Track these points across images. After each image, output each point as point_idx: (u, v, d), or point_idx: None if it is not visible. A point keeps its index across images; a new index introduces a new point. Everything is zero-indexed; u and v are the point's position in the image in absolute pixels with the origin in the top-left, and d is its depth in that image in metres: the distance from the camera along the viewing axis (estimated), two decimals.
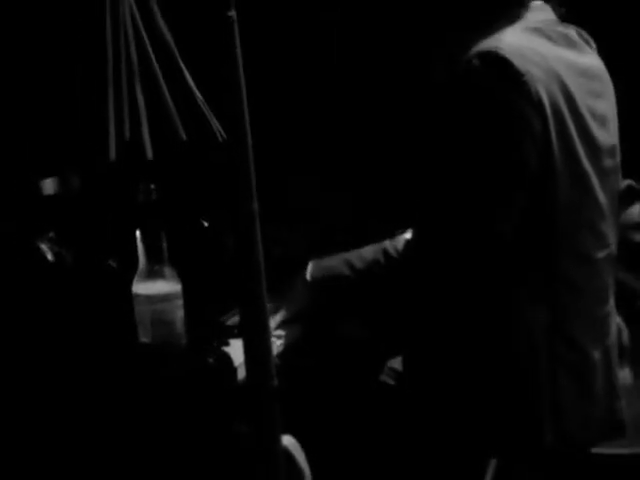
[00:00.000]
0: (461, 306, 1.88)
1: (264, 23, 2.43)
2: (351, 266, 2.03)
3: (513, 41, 1.81)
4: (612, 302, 2.00)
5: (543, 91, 1.77)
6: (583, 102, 1.86)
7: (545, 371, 1.85)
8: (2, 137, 1.99)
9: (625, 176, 2.43)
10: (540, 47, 1.84)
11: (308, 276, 2.10)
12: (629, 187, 2.55)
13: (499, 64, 1.75)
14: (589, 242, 1.89)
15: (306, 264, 2.18)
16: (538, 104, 1.76)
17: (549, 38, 1.88)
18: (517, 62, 1.75)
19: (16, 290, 1.97)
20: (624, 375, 2.14)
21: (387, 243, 2.02)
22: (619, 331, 2.37)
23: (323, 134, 2.65)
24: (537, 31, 1.87)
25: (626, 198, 2.52)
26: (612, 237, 1.96)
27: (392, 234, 2.23)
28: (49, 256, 1.99)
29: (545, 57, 1.82)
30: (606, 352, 1.95)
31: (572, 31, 1.96)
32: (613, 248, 1.97)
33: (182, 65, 1.56)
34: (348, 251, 2.17)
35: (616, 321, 2.04)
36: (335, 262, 2.08)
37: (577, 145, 1.83)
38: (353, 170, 2.68)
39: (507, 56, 1.75)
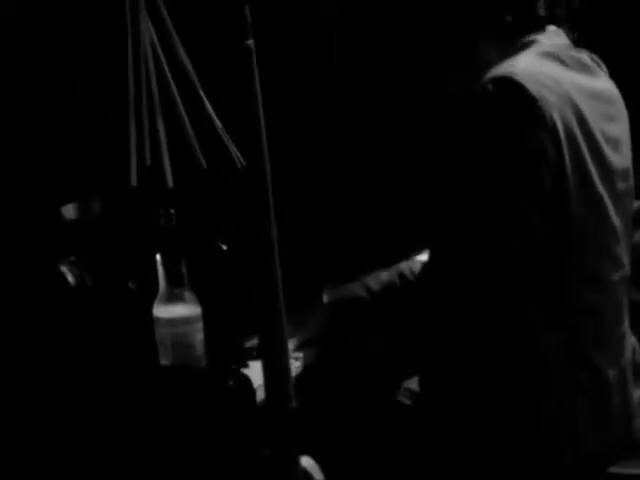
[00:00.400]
0: (476, 327, 1.87)
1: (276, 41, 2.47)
2: (368, 289, 2.04)
3: (527, 66, 1.82)
4: (627, 323, 1.99)
5: (557, 116, 1.77)
6: (596, 125, 1.86)
7: (561, 392, 1.85)
8: (25, 164, 2.01)
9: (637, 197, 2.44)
10: (554, 72, 1.84)
11: (325, 299, 2.11)
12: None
13: (513, 90, 1.76)
14: (604, 265, 1.89)
15: (322, 286, 2.20)
16: (552, 129, 1.76)
17: (562, 62, 1.88)
18: (531, 87, 1.76)
19: (38, 312, 1.98)
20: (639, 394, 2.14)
21: (403, 265, 2.03)
22: (634, 351, 2.37)
23: (335, 156, 2.67)
24: (551, 56, 1.87)
25: (638, 219, 2.53)
26: (626, 259, 1.96)
27: (407, 256, 2.26)
28: (70, 279, 2.00)
29: (559, 82, 1.82)
30: (621, 372, 1.94)
31: (585, 55, 1.96)
32: (627, 270, 1.97)
33: (202, 93, 1.57)
34: (361, 272, 2.20)
35: (631, 341, 2.04)
36: (352, 285, 2.09)
37: (591, 169, 1.83)
38: (367, 193, 2.69)
39: (521, 81, 1.76)
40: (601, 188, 1.85)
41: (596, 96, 1.91)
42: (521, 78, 1.77)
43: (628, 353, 1.98)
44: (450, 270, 1.87)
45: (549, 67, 1.85)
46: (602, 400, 1.90)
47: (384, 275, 2.05)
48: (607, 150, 1.88)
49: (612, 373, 1.91)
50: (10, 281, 1.97)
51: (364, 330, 2.14)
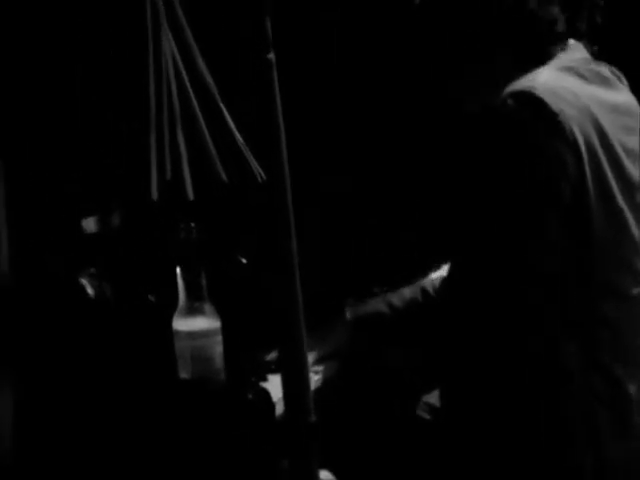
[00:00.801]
0: (497, 342, 1.86)
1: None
2: (390, 305, 2.04)
3: (547, 81, 1.82)
4: None
5: (577, 130, 1.76)
6: (616, 138, 1.85)
7: (582, 404, 1.83)
8: (47, 178, 2.02)
9: None
10: (573, 86, 1.84)
11: (348, 315, 2.11)
12: None
13: (534, 104, 1.75)
14: (625, 279, 1.87)
15: (343, 301, 2.20)
16: (573, 143, 1.75)
17: (582, 76, 1.88)
18: (551, 102, 1.75)
19: (58, 324, 1.99)
20: None
21: (426, 282, 2.03)
22: None
23: (358, 170, 2.67)
24: (570, 70, 1.87)
25: None
26: None
27: (428, 271, 2.26)
28: (90, 291, 2.00)
29: (578, 96, 1.81)
30: None
31: (604, 68, 1.96)
32: None
33: (222, 107, 1.57)
34: (382, 287, 2.20)
35: None
36: (374, 301, 2.09)
37: (611, 182, 1.82)
38: (389, 208, 2.69)
39: (541, 96, 1.75)
40: (621, 201, 1.84)
41: (615, 109, 1.90)
42: (541, 92, 1.76)
43: None
44: (470, 283, 1.86)
45: (569, 81, 1.84)
46: (623, 414, 1.87)
47: (407, 292, 2.06)
48: (627, 163, 1.87)
49: (632, 387, 1.89)
50: (31, 292, 1.96)
51: (385, 345, 2.13)
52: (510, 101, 1.77)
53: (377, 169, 2.68)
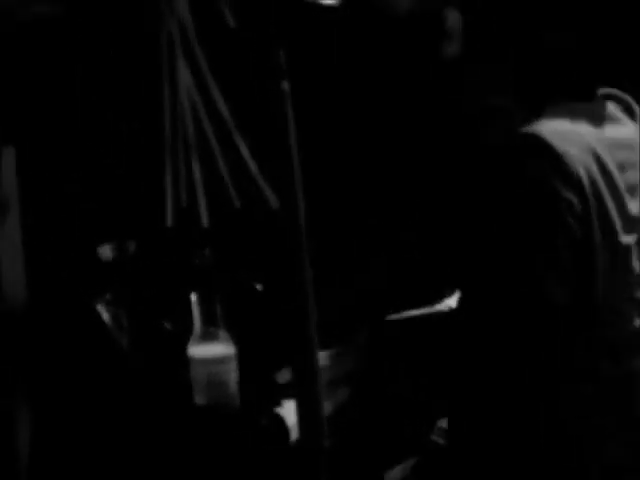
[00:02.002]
0: (505, 373, 1.84)
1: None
2: (406, 329, 2.03)
3: (552, 122, 1.83)
4: None
5: (582, 170, 1.77)
6: (618, 175, 1.86)
7: (591, 439, 1.83)
8: (65, 207, 2.03)
9: None
10: (578, 126, 1.85)
11: (366, 340, 2.09)
12: None
13: (540, 147, 1.77)
14: (629, 311, 1.87)
15: (357, 324, 2.20)
16: (577, 184, 1.76)
17: (587, 115, 1.88)
18: (556, 144, 1.77)
19: (74, 349, 2.00)
20: None
21: (442, 306, 2.03)
22: None
23: (371, 197, 2.67)
24: (576, 111, 1.87)
25: None
26: None
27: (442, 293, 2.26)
28: (106, 318, 2.01)
29: (582, 135, 1.83)
30: None
31: (610, 105, 1.96)
32: None
33: (237, 136, 1.58)
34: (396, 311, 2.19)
35: None
36: (392, 327, 2.09)
37: (614, 219, 1.82)
38: (402, 231, 2.69)
39: (547, 139, 1.77)
40: (624, 237, 1.84)
41: (620, 145, 1.90)
42: (546, 135, 1.78)
43: None
44: (480, 314, 1.85)
45: (574, 122, 1.85)
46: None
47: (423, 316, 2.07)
48: (628, 198, 1.87)
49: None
50: (48, 318, 1.98)
51: (402, 371, 2.13)
52: (517, 143, 1.80)
53: (391, 193, 2.69)
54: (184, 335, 1.95)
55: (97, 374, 1.99)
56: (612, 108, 1.96)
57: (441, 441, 2.14)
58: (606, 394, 1.86)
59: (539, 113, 1.88)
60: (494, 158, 1.85)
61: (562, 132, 1.81)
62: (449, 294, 2.30)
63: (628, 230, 1.86)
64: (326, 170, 2.46)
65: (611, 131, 1.91)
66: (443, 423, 2.18)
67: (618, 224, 1.84)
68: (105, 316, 2.01)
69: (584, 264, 1.79)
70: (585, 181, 1.77)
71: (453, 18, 2.55)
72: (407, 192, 2.67)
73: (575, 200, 1.77)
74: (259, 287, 2.15)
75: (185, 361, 1.93)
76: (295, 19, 2.19)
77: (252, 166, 1.58)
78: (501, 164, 1.83)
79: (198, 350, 1.92)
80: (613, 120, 1.94)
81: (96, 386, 1.98)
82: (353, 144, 2.59)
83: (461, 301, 1.96)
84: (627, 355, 1.88)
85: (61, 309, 2.02)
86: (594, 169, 1.81)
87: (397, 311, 2.18)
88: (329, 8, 2.48)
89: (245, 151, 1.59)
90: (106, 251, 2.05)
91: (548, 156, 1.77)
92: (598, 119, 1.90)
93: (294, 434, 1.85)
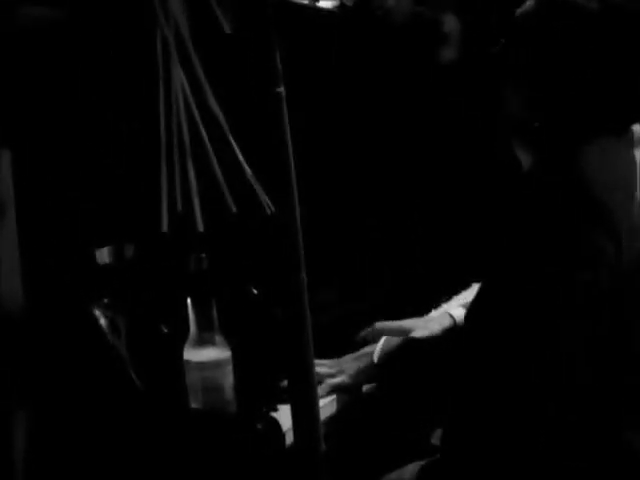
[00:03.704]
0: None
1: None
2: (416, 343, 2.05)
3: (594, 162, 1.78)
4: None
5: (613, 205, 1.74)
6: None
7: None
8: (62, 211, 2.03)
9: None
10: (620, 159, 1.81)
11: (375, 358, 2.08)
12: None
13: (577, 188, 1.74)
14: None
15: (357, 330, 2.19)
16: (612, 230, 1.73)
17: (629, 144, 1.84)
18: (596, 191, 1.73)
19: (71, 353, 1.99)
20: None
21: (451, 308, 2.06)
22: None
23: (369, 202, 2.67)
24: (621, 140, 1.83)
25: None
26: None
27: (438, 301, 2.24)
28: (103, 322, 2.00)
29: (624, 174, 1.79)
30: None
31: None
32: None
33: (232, 140, 1.56)
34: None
35: None
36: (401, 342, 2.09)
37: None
38: (400, 236, 2.69)
39: (586, 185, 1.74)
40: None
41: None
42: (586, 179, 1.74)
43: None
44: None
45: (618, 156, 1.82)
46: None
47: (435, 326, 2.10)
48: None
49: None
50: (45, 322, 1.96)
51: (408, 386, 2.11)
52: (555, 186, 1.76)
53: (387, 198, 2.69)
54: (180, 339, 1.95)
55: (94, 377, 1.98)
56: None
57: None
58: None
59: (575, 145, 1.81)
60: (529, 193, 1.79)
61: (603, 175, 1.76)
62: (445, 300, 2.31)
63: None
64: (322, 175, 2.48)
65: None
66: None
67: None
68: (102, 320, 2.00)
69: (610, 309, 1.75)
70: (621, 226, 1.73)
71: (451, 23, 2.55)
72: (403, 196, 2.67)
73: (609, 249, 1.71)
74: (255, 292, 2.15)
75: (181, 365, 1.93)
76: (292, 23, 2.20)
77: (248, 171, 1.56)
78: (537, 202, 1.78)
79: (194, 354, 1.92)
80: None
81: (93, 389, 1.97)
82: (350, 148, 2.60)
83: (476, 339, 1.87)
84: None
85: (58, 312, 2.01)
86: (630, 207, 1.76)
87: (393, 317, 2.18)
88: (327, 13, 2.48)
89: (241, 156, 1.56)
90: (103, 255, 2.05)
91: (587, 202, 1.73)
92: (631, 146, 1.84)
93: (289, 438, 1.86)
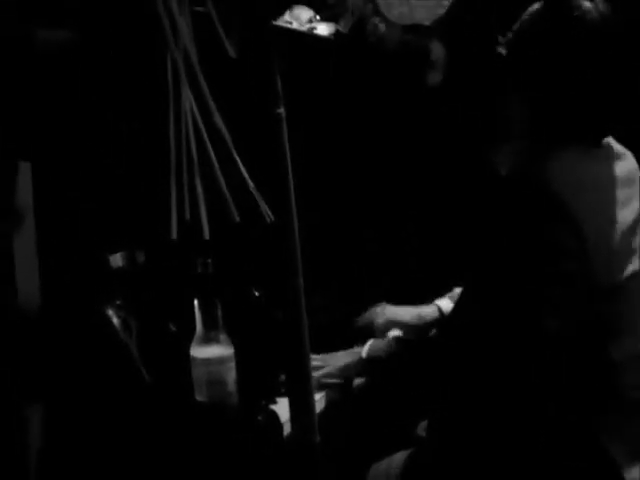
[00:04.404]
0: (488, 392, 1.84)
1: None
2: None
3: (557, 166, 1.82)
4: None
5: (579, 207, 1.77)
6: (617, 214, 1.85)
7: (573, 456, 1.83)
8: (78, 219, 2.05)
9: None
10: (589, 166, 1.85)
11: (364, 354, 2.11)
12: None
13: (542, 193, 1.78)
14: (628, 340, 1.86)
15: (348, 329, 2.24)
16: (573, 220, 1.76)
17: (597, 155, 1.89)
18: (560, 191, 1.77)
19: (86, 351, 2.00)
20: None
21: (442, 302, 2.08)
22: None
23: (363, 210, 2.69)
24: (581, 150, 1.87)
25: None
26: None
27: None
28: (115, 321, 2.01)
29: (581, 175, 1.82)
30: None
31: (612, 140, 1.95)
32: None
33: (236, 156, 1.61)
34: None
35: None
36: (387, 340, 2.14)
37: (614, 255, 1.82)
38: (392, 241, 2.71)
39: (552, 187, 1.78)
40: (626, 271, 1.85)
41: (624, 181, 1.90)
42: (551, 180, 1.79)
43: None
44: (482, 339, 1.83)
45: (570, 162, 1.85)
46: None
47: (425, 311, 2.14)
48: (627, 234, 1.87)
49: None
50: (61, 323, 1.98)
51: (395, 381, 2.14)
52: (525, 188, 1.80)
53: (381, 207, 2.70)
54: (187, 337, 1.96)
55: (107, 373, 1.99)
56: (615, 143, 1.94)
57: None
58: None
59: (549, 151, 1.85)
60: (504, 195, 1.84)
61: (568, 174, 1.80)
62: (436, 297, 2.33)
63: (629, 264, 1.85)
64: (319, 188, 2.48)
65: (618, 168, 1.90)
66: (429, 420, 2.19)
67: (621, 262, 1.83)
68: (115, 320, 2.01)
69: (586, 298, 1.77)
70: (582, 217, 1.75)
71: (437, 50, 2.58)
72: (395, 207, 2.68)
73: (576, 247, 1.75)
74: (256, 294, 2.16)
75: (187, 361, 1.94)
76: (292, 50, 2.22)
77: (250, 184, 1.61)
78: (508, 203, 1.82)
79: (200, 351, 1.94)
80: (618, 157, 1.92)
81: (106, 384, 1.98)
82: (345, 164, 2.60)
83: (459, 327, 1.93)
84: (629, 374, 1.87)
85: (74, 314, 2.02)
86: (592, 206, 1.79)
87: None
88: (324, 40, 2.48)
89: (244, 170, 1.61)
90: (116, 260, 2.06)
91: (552, 203, 1.76)
92: (606, 158, 1.88)
93: (287, 429, 1.87)
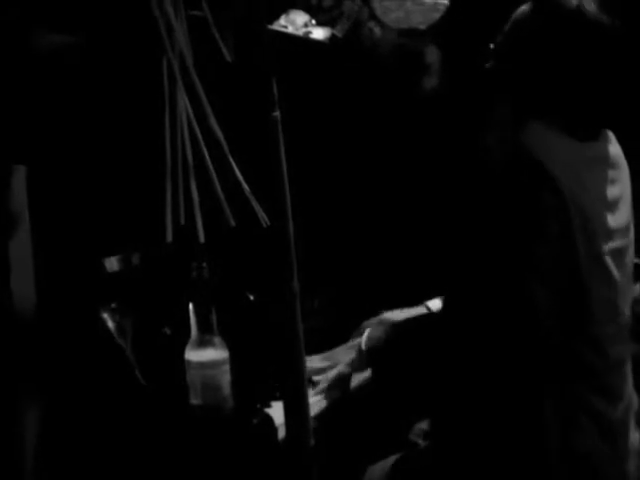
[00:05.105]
0: (489, 372, 1.84)
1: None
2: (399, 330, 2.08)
3: (534, 136, 1.85)
4: (629, 366, 1.98)
5: (562, 178, 1.79)
6: (599, 189, 1.88)
7: (562, 435, 1.84)
8: (74, 223, 2.05)
9: None
10: (562, 140, 1.87)
11: (363, 345, 2.11)
12: (634, 265, 2.55)
13: (523, 156, 1.81)
14: (606, 314, 1.88)
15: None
16: (556, 189, 1.78)
17: (571, 132, 1.89)
18: (541, 154, 1.79)
19: (81, 354, 2.01)
20: (634, 438, 2.11)
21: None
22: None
23: (356, 213, 2.69)
24: (559, 126, 1.88)
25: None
26: (627, 310, 1.96)
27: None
28: (111, 325, 2.01)
29: (565, 149, 1.85)
30: (624, 413, 1.93)
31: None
32: (627, 317, 1.97)
33: (231, 160, 1.60)
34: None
35: (631, 384, 2.00)
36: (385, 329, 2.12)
37: (593, 230, 1.83)
38: (382, 243, 2.71)
39: (531, 149, 1.80)
40: (603, 246, 1.86)
41: (601, 161, 1.92)
42: (532, 146, 1.81)
43: (627, 396, 1.96)
44: (470, 316, 1.85)
45: (559, 137, 1.87)
46: (605, 441, 1.88)
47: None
48: (609, 212, 1.89)
49: (614, 415, 1.90)
50: (57, 325, 1.98)
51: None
52: (506, 153, 1.84)
53: (375, 208, 2.70)
54: (182, 341, 1.95)
55: (102, 376, 2.00)
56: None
57: (419, 441, 2.16)
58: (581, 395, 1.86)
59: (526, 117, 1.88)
60: (484, 165, 1.88)
61: (547, 144, 1.82)
62: (432, 296, 2.32)
63: (608, 240, 1.87)
64: (313, 191, 2.47)
65: (595, 148, 1.92)
66: (422, 424, 2.19)
67: (599, 235, 1.84)
68: (110, 322, 2.01)
69: (568, 268, 1.79)
70: (565, 188, 1.78)
71: (433, 54, 2.58)
72: (388, 211, 2.68)
73: (554, 205, 1.77)
74: (251, 298, 2.16)
75: (182, 365, 1.94)
76: (287, 54, 2.22)
77: (245, 188, 1.60)
78: (489, 169, 1.86)
79: (195, 355, 1.93)
80: (598, 137, 1.94)
81: (101, 387, 1.98)
82: (340, 167, 2.60)
83: (448, 303, 1.96)
84: (612, 348, 1.88)
85: (69, 317, 2.02)
86: (574, 180, 1.81)
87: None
88: (319, 44, 2.48)
89: (239, 174, 1.60)
90: (112, 263, 2.07)
91: (532, 165, 1.79)
92: (583, 136, 1.90)
93: (282, 433, 1.86)
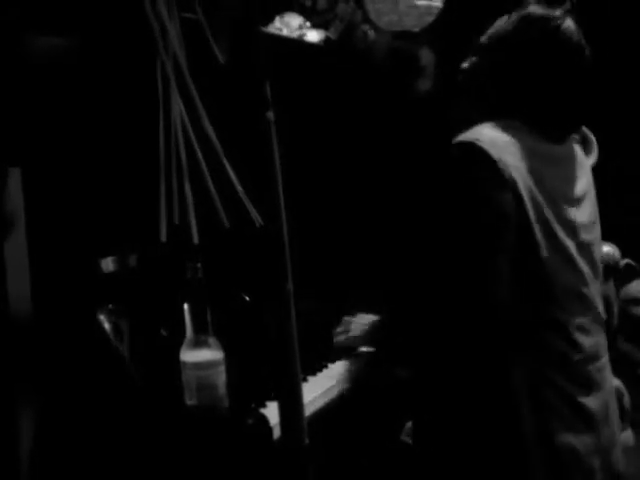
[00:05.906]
0: (456, 362, 1.88)
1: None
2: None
3: (490, 133, 1.88)
4: (605, 359, 1.99)
5: (518, 176, 1.82)
6: (556, 187, 1.90)
7: (540, 422, 1.84)
8: (69, 224, 2.03)
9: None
10: (517, 141, 1.89)
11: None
12: (628, 265, 2.56)
13: (476, 153, 1.82)
14: (575, 306, 1.90)
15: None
16: (512, 187, 1.81)
17: (526, 132, 1.93)
18: (492, 152, 1.82)
19: (77, 355, 1.99)
20: (626, 436, 2.11)
21: None
22: (621, 395, 2.35)
23: (348, 214, 2.68)
24: (513, 127, 1.92)
25: (625, 275, 2.53)
26: (598, 300, 1.98)
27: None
28: (107, 326, 2.00)
29: (521, 149, 1.87)
30: (604, 406, 1.94)
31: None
32: (600, 311, 1.99)
33: (225, 160, 1.60)
34: None
35: (611, 378, 2.02)
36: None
37: (554, 225, 1.86)
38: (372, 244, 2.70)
39: (484, 147, 1.82)
40: (566, 240, 1.89)
41: (557, 161, 1.96)
42: (484, 144, 1.83)
43: (607, 387, 1.97)
44: (431, 309, 1.88)
45: (512, 135, 1.90)
46: (584, 431, 1.88)
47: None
48: (569, 209, 1.92)
49: (594, 405, 1.90)
50: (53, 327, 1.97)
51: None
52: (456, 150, 1.85)
53: (366, 211, 2.70)
54: (177, 341, 1.95)
55: (98, 376, 1.98)
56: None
57: (409, 441, 2.16)
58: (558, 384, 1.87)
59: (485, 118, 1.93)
60: (441, 164, 1.88)
61: (498, 142, 1.85)
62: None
63: (571, 235, 1.90)
64: (307, 192, 2.48)
65: (550, 147, 1.95)
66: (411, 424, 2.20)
67: (559, 229, 1.87)
68: (106, 323, 2.00)
69: (527, 260, 1.82)
70: (520, 185, 1.81)
71: (426, 57, 2.59)
72: (383, 209, 2.69)
73: (509, 201, 1.80)
74: (246, 299, 2.16)
75: (178, 365, 1.93)
76: (281, 55, 2.22)
77: (239, 188, 1.60)
78: (444, 169, 1.87)
79: (190, 355, 1.92)
80: (554, 139, 1.98)
81: (97, 388, 1.97)
82: (334, 168, 2.61)
83: (414, 300, 1.98)
84: (585, 340, 1.90)
85: (65, 318, 2.00)
86: (529, 178, 1.84)
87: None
88: (313, 46, 2.48)
89: (233, 175, 1.60)
90: (108, 264, 2.05)
91: (483, 161, 1.81)
92: (538, 136, 1.94)
93: (277, 432, 1.87)
